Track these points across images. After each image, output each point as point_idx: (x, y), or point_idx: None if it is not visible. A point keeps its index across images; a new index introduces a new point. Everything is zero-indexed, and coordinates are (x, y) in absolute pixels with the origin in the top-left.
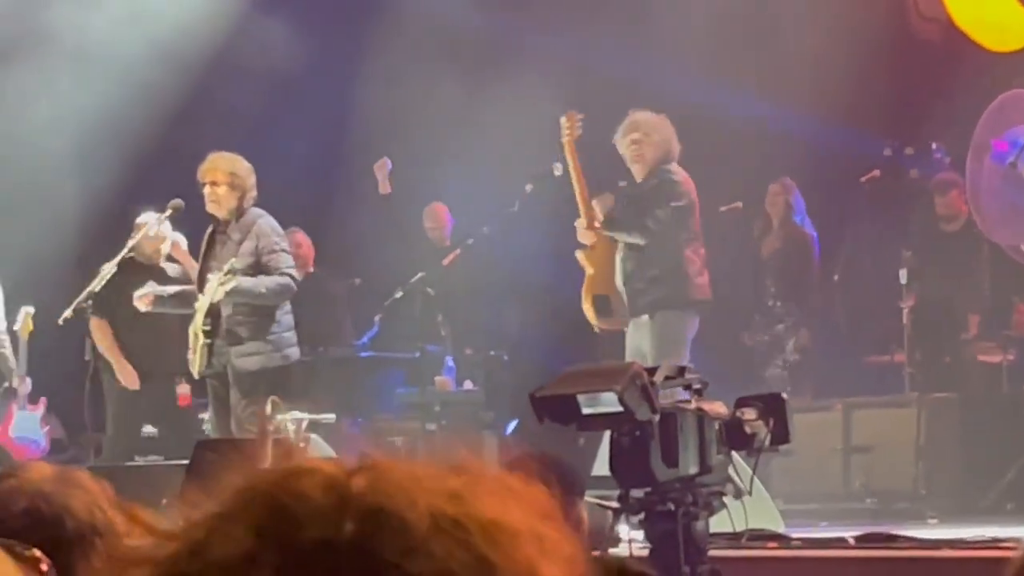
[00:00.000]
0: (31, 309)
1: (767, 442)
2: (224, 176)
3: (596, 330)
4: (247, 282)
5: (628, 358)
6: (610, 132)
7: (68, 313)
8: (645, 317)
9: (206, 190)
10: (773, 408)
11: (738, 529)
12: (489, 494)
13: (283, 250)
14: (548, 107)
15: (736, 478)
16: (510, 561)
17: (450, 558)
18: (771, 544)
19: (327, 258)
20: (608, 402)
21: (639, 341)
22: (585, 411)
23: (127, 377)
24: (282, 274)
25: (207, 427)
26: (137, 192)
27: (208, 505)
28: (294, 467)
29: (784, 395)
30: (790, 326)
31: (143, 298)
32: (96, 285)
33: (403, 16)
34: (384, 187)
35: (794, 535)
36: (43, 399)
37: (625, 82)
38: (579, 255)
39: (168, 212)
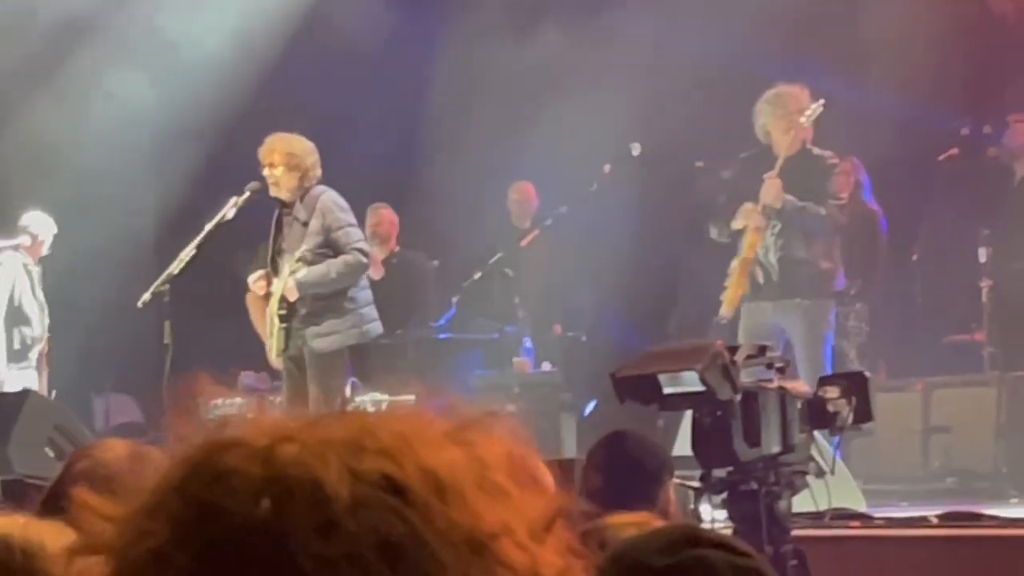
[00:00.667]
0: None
1: (849, 421)
2: (281, 157)
3: (723, 321)
4: (317, 270)
5: (752, 339)
6: (686, 109)
7: (147, 297)
8: (798, 300)
9: (265, 172)
10: (856, 387)
11: (821, 508)
12: (434, 446)
13: (350, 224)
14: (627, 85)
15: (818, 457)
16: (451, 527)
17: (375, 532)
18: (854, 523)
19: (407, 239)
20: (689, 381)
21: (779, 321)
22: (666, 391)
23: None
24: (352, 250)
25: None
26: (215, 180)
27: (140, 495)
28: (219, 441)
29: (867, 374)
30: (856, 303)
31: (259, 281)
32: (175, 268)
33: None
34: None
35: (876, 514)
36: None
37: (703, 59)
38: (749, 234)
39: (246, 195)
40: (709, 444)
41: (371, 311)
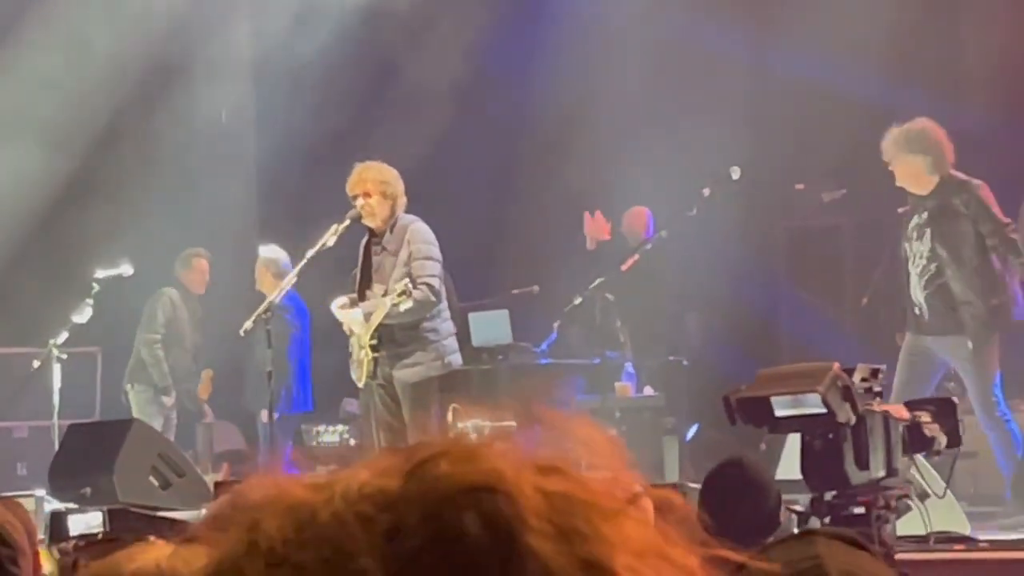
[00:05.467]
0: (210, 372)
1: (943, 445)
2: (375, 186)
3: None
4: (383, 308)
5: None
6: (784, 132)
7: (248, 324)
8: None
9: (358, 202)
10: (945, 411)
11: (925, 532)
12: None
13: (428, 257)
14: (726, 109)
15: (921, 481)
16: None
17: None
18: (958, 546)
19: (508, 266)
20: (806, 403)
21: (946, 357)
22: (779, 413)
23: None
24: (421, 284)
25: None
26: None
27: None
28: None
29: (955, 399)
30: None
31: (343, 308)
32: (276, 297)
33: (577, 19)
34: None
35: (981, 537)
36: None
37: (801, 82)
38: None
39: (346, 223)
40: (821, 467)
41: (452, 342)
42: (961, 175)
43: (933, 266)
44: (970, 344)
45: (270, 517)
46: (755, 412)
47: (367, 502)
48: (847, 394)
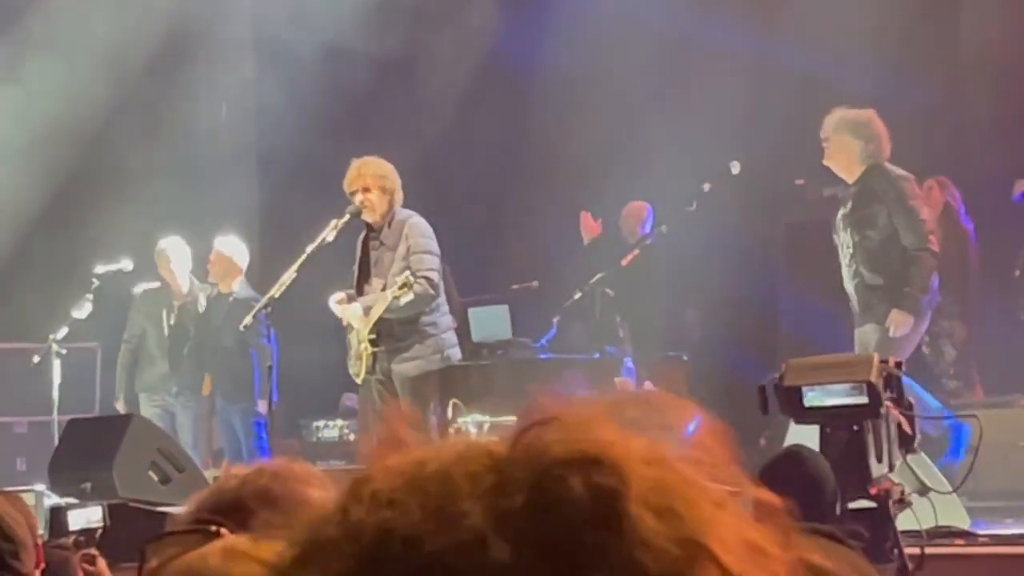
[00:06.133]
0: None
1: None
2: (374, 180)
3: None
4: (382, 302)
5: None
6: (785, 126)
7: (248, 320)
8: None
9: (357, 198)
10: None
11: (924, 527)
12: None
13: (426, 251)
14: (726, 104)
15: (922, 476)
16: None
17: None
18: (958, 541)
19: (508, 261)
20: (847, 393)
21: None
22: (809, 403)
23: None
24: (420, 278)
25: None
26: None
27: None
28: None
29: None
30: (950, 322)
31: (340, 303)
32: (276, 291)
33: (576, 15)
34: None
35: (981, 532)
36: None
37: (802, 76)
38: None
39: (346, 218)
40: (846, 460)
41: (451, 336)
42: (892, 167)
43: (853, 256)
44: (880, 330)
45: (377, 469)
46: (787, 401)
47: (474, 462)
48: (891, 384)
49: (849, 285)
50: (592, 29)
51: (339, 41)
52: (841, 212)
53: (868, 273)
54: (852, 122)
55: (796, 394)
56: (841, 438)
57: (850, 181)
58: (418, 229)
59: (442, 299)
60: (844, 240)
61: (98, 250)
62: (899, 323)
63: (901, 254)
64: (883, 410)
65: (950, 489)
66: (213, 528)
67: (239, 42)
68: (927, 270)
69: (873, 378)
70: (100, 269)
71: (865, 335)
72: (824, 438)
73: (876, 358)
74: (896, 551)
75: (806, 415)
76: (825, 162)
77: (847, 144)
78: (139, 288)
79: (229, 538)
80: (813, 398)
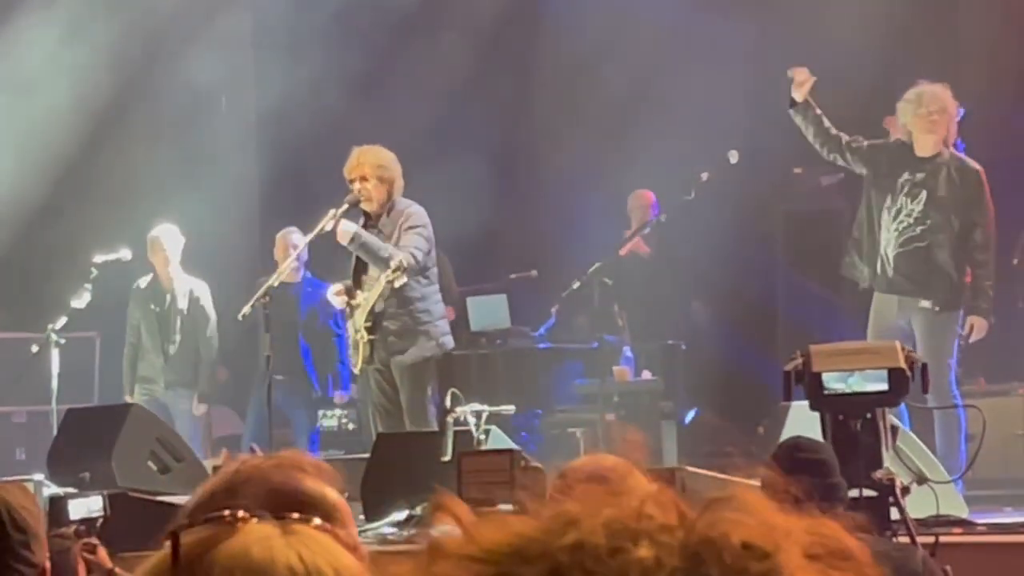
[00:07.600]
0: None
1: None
2: (372, 169)
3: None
4: (377, 241)
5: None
6: (783, 116)
7: (247, 309)
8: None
9: (355, 187)
10: None
11: (923, 515)
12: None
13: (419, 232)
14: (724, 93)
15: (920, 465)
16: None
17: None
18: (956, 530)
19: (507, 250)
20: (878, 379)
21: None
22: (828, 391)
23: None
24: (408, 252)
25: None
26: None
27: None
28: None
29: None
30: None
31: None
32: (274, 280)
33: (576, 5)
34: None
35: (979, 521)
36: None
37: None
38: None
39: (345, 207)
40: (855, 448)
41: (444, 324)
42: (962, 155)
43: (919, 228)
44: (934, 315)
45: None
46: (809, 386)
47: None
48: (921, 372)
49: (891, 250)
50: (592, 18)
51: (337, 25)
52: (907, 178)
53: (946, 258)
54: (951, 100)
55: (815, 379)
56: (852, 426)
57: (927, 155)
58: (415, 217)
59: (436, 287)
60: (907, 207)
61: (97, 239)
62: (980, 329)
63: (972, 250)
64: (915, 396)
65: (948, 478)
66: (241, 514)
67: (239, 31)
68: (992, 277)
69: (902, 364)
70: (99, 258)
71: (906, 305)
72: (836, 425)
73: (899, 345)
74: (909, 538)
75: (821, 402)
76: (924, 134)
77: (949, 121)
78: (137, 283)
79: (266, 526)
80: (831, 384)
